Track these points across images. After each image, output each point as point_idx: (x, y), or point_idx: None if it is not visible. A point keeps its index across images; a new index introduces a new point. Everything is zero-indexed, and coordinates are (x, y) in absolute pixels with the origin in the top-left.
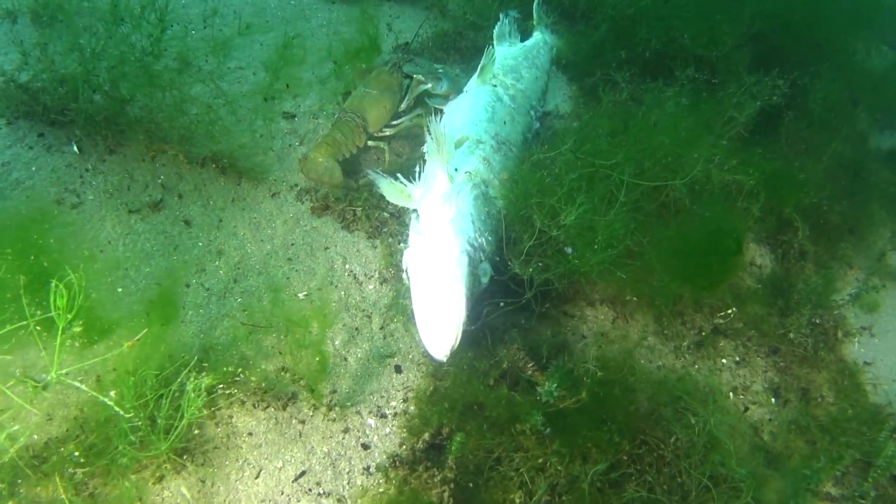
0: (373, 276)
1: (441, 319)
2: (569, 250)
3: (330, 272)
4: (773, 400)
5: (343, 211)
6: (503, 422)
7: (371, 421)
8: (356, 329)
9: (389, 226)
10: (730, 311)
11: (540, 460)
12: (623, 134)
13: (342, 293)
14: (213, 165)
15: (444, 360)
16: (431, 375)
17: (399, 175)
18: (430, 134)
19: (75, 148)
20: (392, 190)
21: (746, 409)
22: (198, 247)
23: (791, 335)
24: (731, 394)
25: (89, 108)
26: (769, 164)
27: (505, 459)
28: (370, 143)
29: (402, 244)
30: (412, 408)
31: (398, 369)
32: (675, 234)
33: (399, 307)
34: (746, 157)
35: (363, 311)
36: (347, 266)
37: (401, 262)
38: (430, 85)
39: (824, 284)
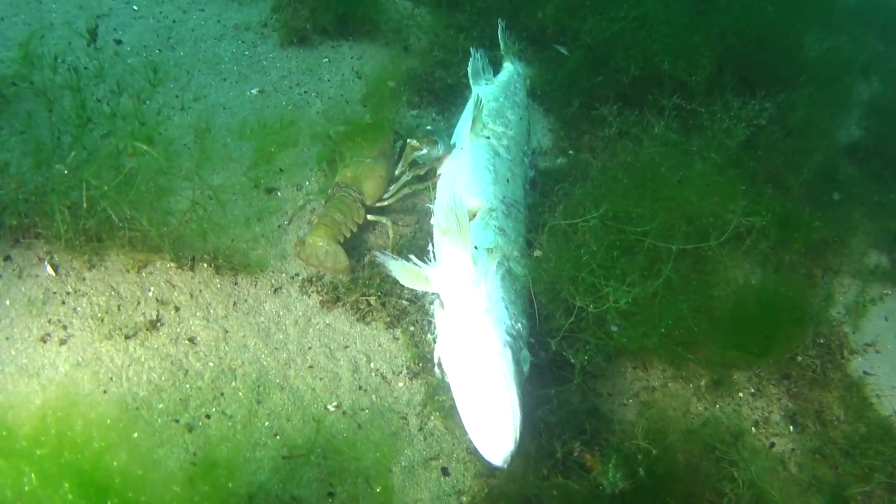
0: (401, 373)
1: (495, 423)
2: (614, 328)
3: (356, 375)
4: (791, 428)
5: (356, 302)
6: None
7: None
8: (394, 434)
9: (410, 314)
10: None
11: None
12: (641, 188)
13: (373, 397)
14: (206, 266)
15: (504, 465)
16: (482, 474)
17: (412, 256)
18: (449, 213)
19: (49, 269)
20: (406, 273)
21: (772, 444)
22: (209, 368)
23: (799, 358)
24: (752, 428)
25: (64, 225)
26: (779, 204)
27: None
28: (370, 217)
29: (428, 335)
30: None
31: (445, 471)
32: (731, 304)
33: (435, 403)
34: (756, 195)
35: (398, 413)
36: (372, 365)
37: (430, 354)
38: (425, 150)
39: (824, 299)
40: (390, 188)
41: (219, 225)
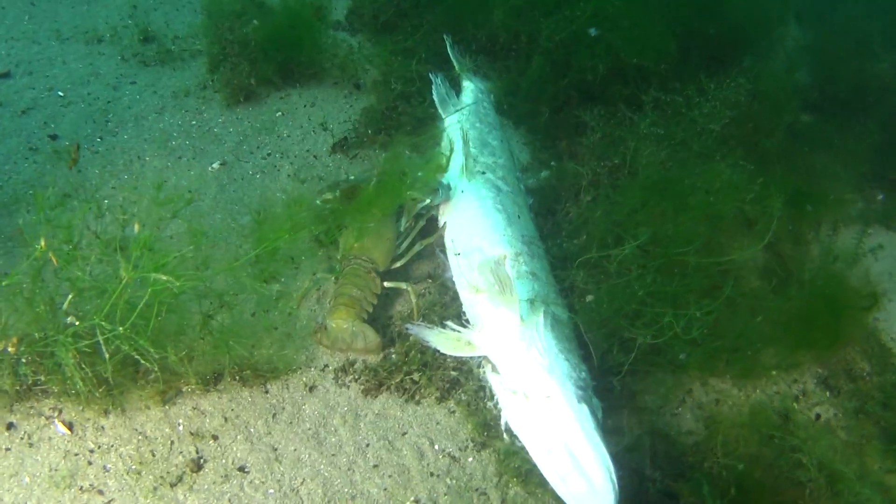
0: (467, 447)
1: (593, 485)
2: (683, 356)
3: (423, 461)
4: (827, 394)
5: (401, 382)
6: None
7: None
8: None
9: (461, 383)
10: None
11: None
12: (665, 203)
13: (448, 481)
14: (231, 381)
15: None
16: None
17: (449, 323)
18: (489, 275)
19: (62, 428)
20: (446, 342)
21: (818, 416)
22: (270, 496)
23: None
24: (794, 405)
25: (77, 377)
26: (790, 182)
27: None
28: (387, 284)
29: (487, 402)
30: None
31: None
32: (794, 308)
33: (510, 471)
34: (767, 177)
35: (476, 490)
36: (437, 446)
37: (492, 421)
38: (428, 200)
39: (824, 254)
40: (399, 248)
41: (235, 333)
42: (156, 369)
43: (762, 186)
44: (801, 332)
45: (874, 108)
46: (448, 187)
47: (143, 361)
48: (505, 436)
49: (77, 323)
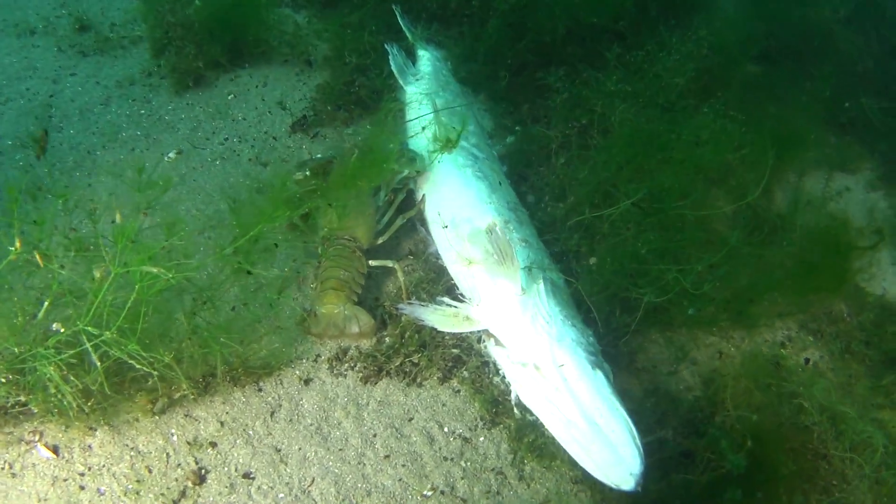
0: (477, 426)
1: (619, 451)
2: (691, 311)
3: (434, 446)
4: (811, 338)
5: (401, 366)
6: None
7: None
8: (496, 493)
9: (464, 361)
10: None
11: None
12: (643, 157)
13: (462, 464)
14: (221, 383)
15: (639, 488)
16: (597, 500)
17: (446, 299)
18: (490, 245)
19: (46, 451)
20: (444, 319)
21: (807, 360)
22: (282, 500)
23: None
24: (782, 350)
25: (62, 393)
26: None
27: None
28: (373, 263)
29: (494, 377)
30: None
31: None
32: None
33: (524, 446)
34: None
35: (493, 469)
36: (446, 429)
37: (500, 397)
38: (406, 171)
39: (793, 199)
40: (380, 224)
41: (224, 329)
42: (155, 374)
43: (746, 135)
44: (807, 278)
45: (822, 54)
46: (424, 158)
47: (138, 366)
48: (516, 410)
49: (62, 330)
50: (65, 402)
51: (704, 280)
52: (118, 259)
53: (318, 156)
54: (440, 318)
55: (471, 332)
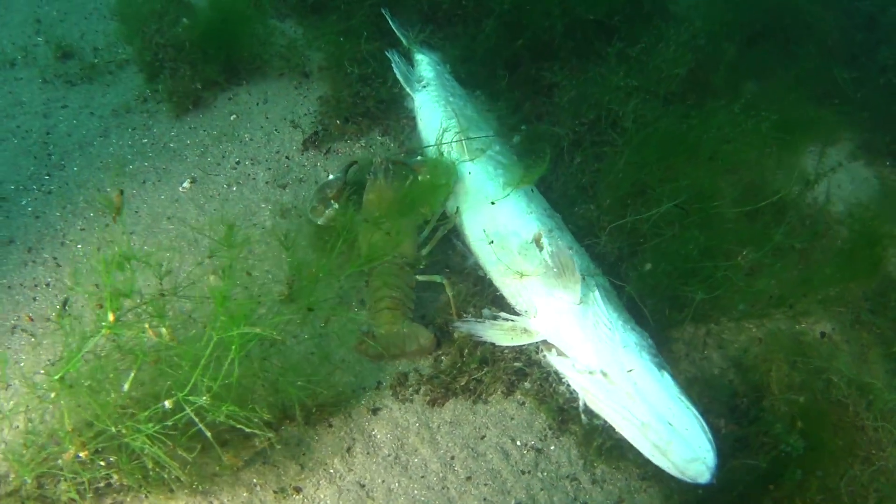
0: (546, 436)
1: (694, 447)
2: (742, 307)
3: (510, 461)
4: (821, 311)
5: (466, 384)
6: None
7: None
8: (574, 499)
9: (527, 373)
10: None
11: None
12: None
13: (540, 475)
14: (291, 425)
15: (715, 480)
16: (666, 494)
17: (502, 314)
18: (551, 261)
19: None
20: (501, 334)
21: (823, 335)
22: None
23: (797, 247)
24: (797, 326)
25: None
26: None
27: None
28: (419, 279)
29: (560, 387)
30: None
31: None
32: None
33: (593, 451)
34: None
35: (567, 476)
36: (518, 443)
37: (566, 405)
38: (444, 182)
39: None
40: (421, 235)
41: (294, 370)
42: (269, 436)
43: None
44: (848, 268)
45: (794, 31)
46: (455, 168)
47: (247, 429)
48: (583, 416)
49: (170, 406)
50: (164, 475)
51: (757, 275)
52: (216, 321)
53: (331, 177)
54: (498, 332)
55: (529, 345)
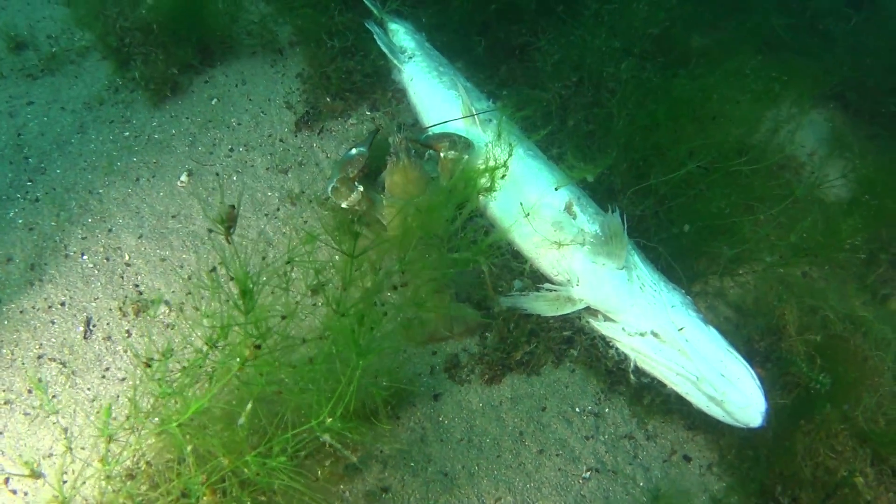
0: (600, 399)
1: (745, 394)
2: (769, 259)
3: (574, 428)
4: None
5: (521, 359)
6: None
7: None
8: (634, 456)
9: (574, 341)
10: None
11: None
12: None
13: (601, 437)
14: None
15: (765, 423)
16: (712, 441)
17: (547, 285)
18: (602, 230)
19: None
20: (547, 305)
21: (804, 274)
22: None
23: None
24: (781, 270)
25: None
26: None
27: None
28: (454, 256)
29: (610, 350)
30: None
31: (687, 458)
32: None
33: (644, 408)
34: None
35: (625, 436)
36: (577, 409)
37: (615, 367)
38: (466, 156)
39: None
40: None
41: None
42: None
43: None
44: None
45: None
46: (474, 144)
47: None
48: (632, 377)
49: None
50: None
51: (787, 230)
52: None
53: (353, 151)
54: (543, 304)
55: (573, 313)
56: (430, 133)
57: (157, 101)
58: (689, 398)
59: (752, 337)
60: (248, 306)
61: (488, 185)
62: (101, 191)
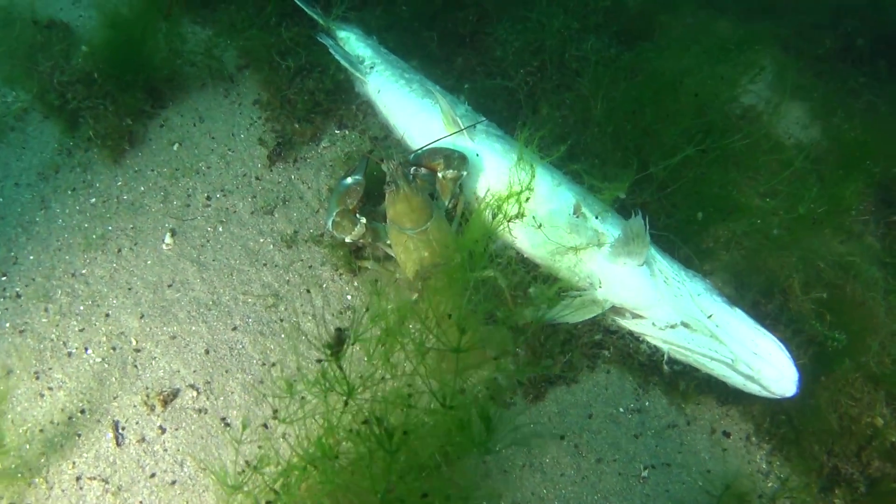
0: (639, 395)
1: (780, 368)
2: (776, 232)
3: (621, 428)
4: (767, 199)
5: (560, 371)
6: None
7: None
8: (681, 443)
9: (604, 343)
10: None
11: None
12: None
13: (649, 433)
14: None
15: (799, 390)
16: (746, 412)
17: (572, 292)
18: (627, 231)
19: None
20: (574, 312)
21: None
22: None
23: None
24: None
25: None
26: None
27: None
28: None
29: (641, 345)
30: None
31: (726, 434)
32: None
33: (680, 395)
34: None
35: (669, 426)
36: (621, 409)
37: (647, 360)
38: (465, 173)
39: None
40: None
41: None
42: None
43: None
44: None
45: None
46: (467, 154)
47: None
48: (665, 367)
49: None
50: None
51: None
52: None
53: (348, 181)
54: (569, 312)
55: (599, 315)
56: (420, 152)
57: (117, 158)
58: (725, 380)
59: (758, 300)
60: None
61: (516, 211)
62: (84, 271)
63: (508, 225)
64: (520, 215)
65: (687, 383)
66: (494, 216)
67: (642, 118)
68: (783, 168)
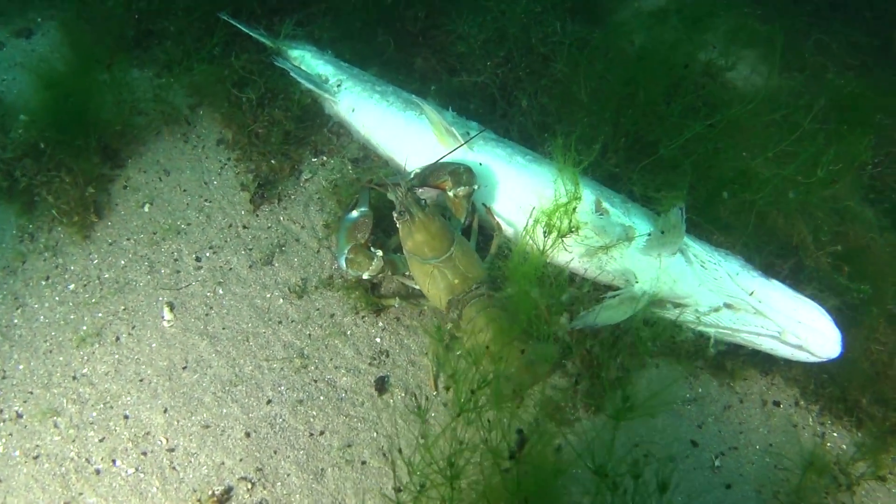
0: (692, 384)
1: (824, 332)
2: (792, 194)
3: (685, 423)
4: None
5: (616, 376)
6: None
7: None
8: (740, 423)
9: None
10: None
11: None
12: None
13: (710, 419)
14: None
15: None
16: (796, 378)
17: (611, 293)
18: (665, 223)
19: None
20: (616, 313)
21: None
22: None
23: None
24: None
25: None
26: None
27: None
28: (496, 295)
29: (686, 334)
30: None
31: (776, 404)
32: None
33: (728, 375)
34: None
35: (725, 407)
36: (681, 402)
37: (697, 347)
38: (476, 186)
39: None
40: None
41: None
42: None
43: None
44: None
45: None
46: (471, 167)
47: None
48: (711, 350)
49: None
50: None
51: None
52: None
53: (353, 214)
54: (613, 313)
55: (640, 310)
56: (423, 171)
57: (87, 233)
58: (773, 353)
59: (773, 262)
60: None
61: (569, 224)
62: (84, 371)
63: (563, 241)
64: (574, 228)
65: (733, 362)
66: (546, 234)
67: (637, 98)
68: (786, 131)
